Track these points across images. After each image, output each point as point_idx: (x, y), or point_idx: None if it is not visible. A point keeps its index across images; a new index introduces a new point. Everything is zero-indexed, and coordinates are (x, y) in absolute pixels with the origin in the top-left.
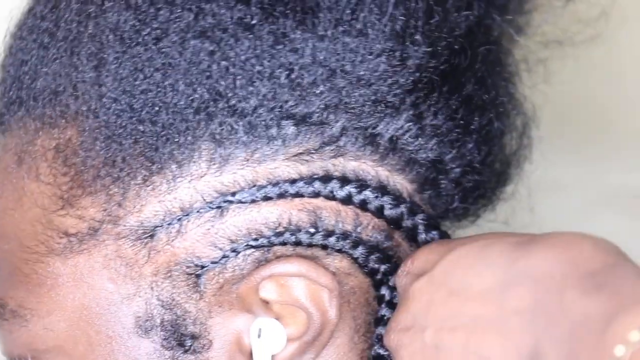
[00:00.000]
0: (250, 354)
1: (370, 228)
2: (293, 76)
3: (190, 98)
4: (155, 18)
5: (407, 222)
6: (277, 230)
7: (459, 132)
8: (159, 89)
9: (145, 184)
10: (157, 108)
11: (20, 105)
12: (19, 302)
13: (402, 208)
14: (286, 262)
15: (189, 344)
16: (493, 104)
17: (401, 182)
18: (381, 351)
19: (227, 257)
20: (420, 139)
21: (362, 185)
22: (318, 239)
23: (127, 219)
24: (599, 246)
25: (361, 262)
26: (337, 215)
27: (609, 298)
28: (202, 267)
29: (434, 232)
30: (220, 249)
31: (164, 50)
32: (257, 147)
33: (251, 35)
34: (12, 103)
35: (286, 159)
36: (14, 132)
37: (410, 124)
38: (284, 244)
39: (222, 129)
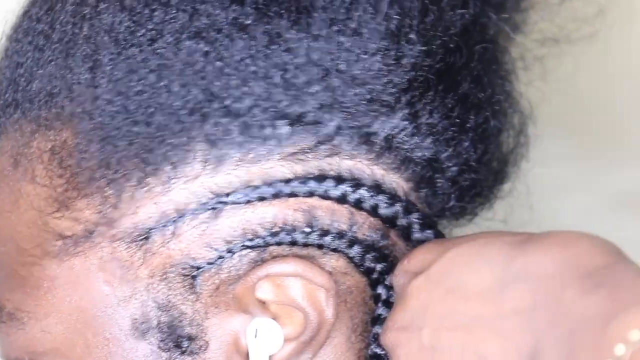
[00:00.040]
0: (247, 355)
1: (365, 227)
2: (287, 76)
3: (185, 99)
4: (150, 19)
5: (402, 221)
6: (273, 230)
7: (454, 131)
8: (154, 90)
9: (140, 186)
10: (151, 109)
11: (16, 108)
12: (16, 305)
13: (397, 207)
14: (282, 262)
15: (186, 345)
16: (489, 102)
17: (397, 181)
18: (378, 350)
19: (223, 257)
20: (415, 137)
21: (357, 184)
22: (314, 238)
23: (122, 221)
24: (598, 245)
25: (357, 261)
26: (332, 215)
27: (608, 297)
28: (198, 268)
29: (429, 231)
30: (216, 250)
31: (158, 51)
32: (251, 148)
33: (245, 36)
34: (8, 105)
35: (281, 158)
36: (10, 134)
37: (406, 122)
38: (279, 244)
39: (217, 130)
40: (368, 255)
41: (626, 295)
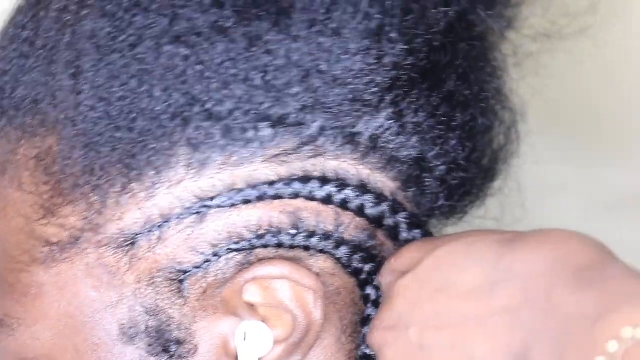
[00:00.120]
0: (237, 358)
1: (352, 227)
2: (268, 78)
3: (166, 103)
4: (130, 25)
5: (389, 221)
6: (258, 233)
7: (441, 129)
8: (135, 96)
9: (125, 192)
10: (133, 115)
11: (2, 115)
12: (5, 312)
13: (384, 206)
14: (269, 264)
15: (174, 349)
16: (476, 100)
17: (383, 181)
18: (368, 351)
19: (209, 261)
20: (401, 136)
21: (342, 184)
22: (300, 240)
23: (107, 227)
24: (587, 243)
25: (344, 262)
26: (317, 216)
27: (599, 295)
28: (185, 272)
29: (417, 231)
30: (202, 254)
31: (139, 56)
32: (234, 151)
33: (225, 39)
34: None
35: (264, 161)
36: None
37: (391, 122)
38: (265, 246)
39: (199, 134)
40: (355, 256)
41: (618, 293)
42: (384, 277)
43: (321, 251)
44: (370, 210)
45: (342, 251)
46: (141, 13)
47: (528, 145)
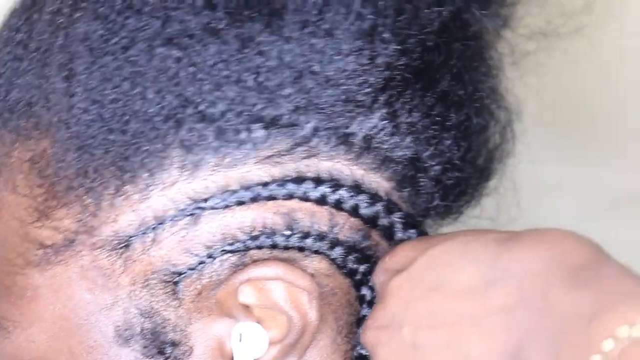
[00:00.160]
0: (232, 359)
1: (346, 228)
2: (260, 79)
3: (159, 105)
4: (123, 27)
5: (383, 221)
6: (253, 234)
7: (435, 129)
8: (128, 98)
9: (118, 194)
10: (126, 117)
11: None
12: (1, 314)
13: (378, 206)
14: (263, 265)
15: (169, 351)
16: (471, 100)
17: (377, 181)
18: (363, 352)
19: (204, 263)
20: (395, 137)
21: (336, 184)
22: (294, 241)
23: (101, 229)
24: (582, 243)
25: (339, 262)
26: (312, 217)
27: (595, 294)
28: (179, 274)
29: (412, 231)
30: (196, 256)
31: (131, 58)
32: (227, 152)
33: (218, 40)
34: None
35: (257, 162)
36: None
37: (385, 122)
38: (260, 247)
39: (192, 135)
40: (350, 257)
41: (613, 292)
42: (378, 276)
43: (316, 252)
44: (364, 211)
45: (337, 252)
46: (133, 15)
47: (524, 145)
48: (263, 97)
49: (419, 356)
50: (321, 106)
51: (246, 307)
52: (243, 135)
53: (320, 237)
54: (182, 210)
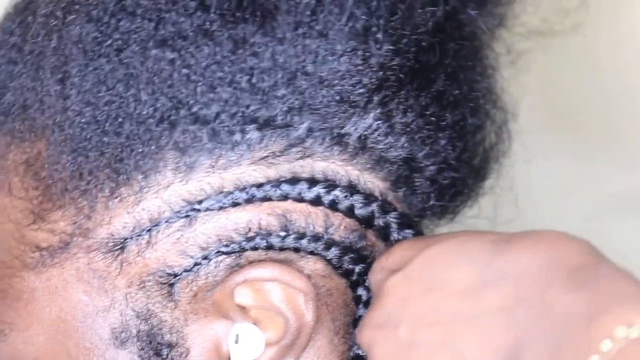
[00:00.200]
0: None
1: (342, 229)
2: (254, 80)
3: (153, 107)
4: (116, 29)
5: (379, 221)
6: (248, 236)
7: (430, 129)
8: (122, 100)
9: (113, 196)
10: (120, 119)
11: None
12: None
13: (374, 207)
14: (259, 266)
15: (166, 353)
16: (466, 99)
17: (372, 181)
18: (360, 352)
19: (199, 264)
20: (390, 137)
21: (331, 185)
22: (289, 242)
23: (97, 231)
24: (579, 245)
25: (335, 263)
26: (307, 217)
27: (593, 295)
28: (175, 276)
29: (408, 231)
30: (192, 257)
31: (125, 60)
32: (221, 154)
33: (211, 42)
34: None
35: (252, 163)
36: None
37: (379, 122)
38: (255, 248)
39: (186, 137)
40: (346, 257)
41: (611, 293)
42: (374, 275)
43: (312, 253)
44: (359, 211)
45: (333, 252)
46: (127, 17)
47: (523, 144)
48: (257, 98)
49: (415, 355)
50: (315, 107)
51: (243, 309)
52: (237, 136)
53: (316, 237)
54: (177, 212)
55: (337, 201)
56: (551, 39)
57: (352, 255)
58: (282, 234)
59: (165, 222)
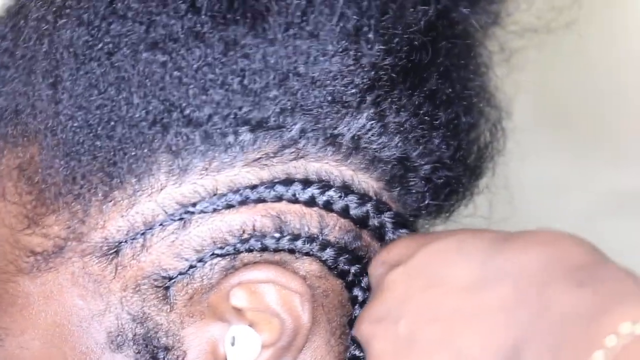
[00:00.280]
0: None
1: (337, 229)
2: (246, 82)
3: (145, 110)
4: (107, 33)
5: (373, 221)
6: (242, 238)
7: (424, 128)
8: (114, 104)
9: (107, 200)
10: (112, 123)
11: None
12: None
13: (368, 207)
14: (254, 268)
15: (162, 356)
16: (460, 98)
17: (366, 181)
18: (357, 352)
19: (194, 267)
20: (383, 136)
21: (325, 186)
22: (284, 243)
23: (91, 235)
24: (579, 244)
25: (330, 264)
26: (301, 218)
27: (595, 292)
28: (170, 279)
29: (403, 230)
30: (187, 260)
31: (116, 64)
32: (215, 156)
33: (202, 44)
34: None
35: (245, 165)
36: None
37: (372, 122)
38: (250, 250)
39: (178, 140)
40: (341, 258)
41: (614, 291)
42: (375, 269)
43: (307, 254)
44: (354, 211)
45: (328, 253)
46: (117, 21)
47: (517, 142)
48: (249, 100)
49: (413, 350)
50: (308, 108)
51: (238, 311)
52: (230, 138)
53: (311, 238)
54: (171, 215)
55: (331, 202)
56: (545, 37)
57: (347, 255)
58: (277, 235)
59: (160, 225)
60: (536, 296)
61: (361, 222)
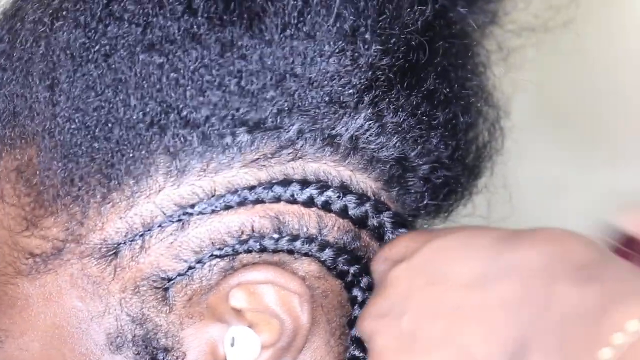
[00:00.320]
0: None
1: (335, 229)
2: (242, 83)
3: (142, 112)
4: (104, 34)
5: (372, 221)
6: (241, 238)
7: (422, 128)
8: (111, 105)
9: (105, 201)
10: (110, 124)
11: None
12: None
13: (367, 207)
14: (253, 269)
15: (162, 357)
16: (457, 98)
17: (365, 181)
18: (356, 353)
19: (193, 268)
20: (381, 137)
21: (323, 186)
22: (283, 244)
23: (89, 237)
24: (586, 242)
25: (329, 264)
26: (300, 219)
27: (602, 290)
28: (169, 280)
29: (402, 230)
30: (185, 261)
31: (113, 66)
32: (212, 157)
33: (199, 45)
34: None
35: (243, 165)
36: None
37: (370, 122)
38: (249, 251)
39: (176, 141)
40: (340, 258)
41: (621, 288)
42: (377, 265)
43: (306, 254)
44: (353, 211)
45: (327, 254)
46: (114, 23)
47: (515, 141)
48: (246, 101)
49: (416, 346)
50: (305, 108)
51: (238, 312)
52: (228, 139)
53: (310, 239)
54: (170, 216)
55: (330, 202)
56: (543, 36)
57: (346, 256)
58: (276, 236)
59: (158, 226)
60: (542, 294)
61: (360, 222)
